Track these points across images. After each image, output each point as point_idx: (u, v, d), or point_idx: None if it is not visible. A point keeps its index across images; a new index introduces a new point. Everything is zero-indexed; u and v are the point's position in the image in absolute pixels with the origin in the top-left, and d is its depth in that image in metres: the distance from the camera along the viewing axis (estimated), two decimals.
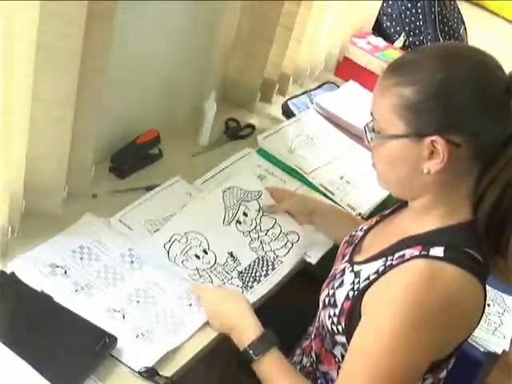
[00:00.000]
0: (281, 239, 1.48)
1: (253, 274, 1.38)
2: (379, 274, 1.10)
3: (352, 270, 1.17)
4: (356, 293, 1.12)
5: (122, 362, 1.14)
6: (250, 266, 1.40)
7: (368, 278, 1.12)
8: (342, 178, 1.79)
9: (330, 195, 1.71)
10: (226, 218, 1.46)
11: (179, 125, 1.76)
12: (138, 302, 1.26)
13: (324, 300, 1.21)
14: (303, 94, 2.13)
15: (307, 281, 1.60)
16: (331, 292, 1.19)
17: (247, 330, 1.20)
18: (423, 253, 1.06)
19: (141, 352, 1.16)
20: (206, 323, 1.27)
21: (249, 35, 1.84)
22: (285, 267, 1.43)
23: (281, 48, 1.90)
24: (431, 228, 1.11)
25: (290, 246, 1.47)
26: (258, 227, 1.47)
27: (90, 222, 1.41)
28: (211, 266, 1.36)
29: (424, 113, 1.07)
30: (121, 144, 1.60)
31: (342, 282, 1.17)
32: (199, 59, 1.76)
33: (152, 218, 1.47)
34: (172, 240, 1.38)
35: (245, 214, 1.47)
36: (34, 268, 1.26)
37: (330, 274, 1.26)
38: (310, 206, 1.53)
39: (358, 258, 1.21)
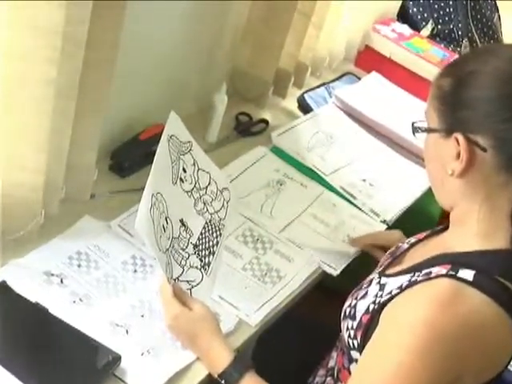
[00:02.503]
0: (218, 198, 1.42)
1: (206, 245, 1.34)
2: (401, 290, 1.10)
3: (378, 282, 1.18)
4: (376, 307, 1.13)
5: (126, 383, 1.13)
6: (201, 234, 1.35)
7: (390, 292, 1.12)
8: (364, 180, 1.78)
9: (351, 199, 1.71)
10: (173, 176, 1.33)
11: (185, 119, 1.75)
12: (143, 315, 1.26)
13: (345, 310, 1.22)
14: (321, 86, 2.13)
15: (324, 293, 1.61)
16: (353, 302, 1.20)
17: (218, 357, 1.17)
18: (451, 273, 1.06)
19: (147, 372, 1.16)
20: None
21: (262, 21, 1.84)
22: (227, 231, 1.40)
23: (298, 36, 1.90)
24: (466, 248, 1.11)
25: (226, 205, 1.43)
26: (198, 185, 1.38)
27: (88, 225, 1.41)
28: (170, 244, 1.27)
29: (451, 106, 1.09)
30: (122, 139, 1.59)
31: (366, 293, 1.18)
32: (208, 48, 1.76)
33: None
34: (152, 203, 1.26)
35: (184, 170, 1.35)
36: (26, 276, 1.25)
37: (361, 283, 1.27)
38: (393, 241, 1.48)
39: (389, 271, 1.21)
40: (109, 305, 1.26)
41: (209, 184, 1.41)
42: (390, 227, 1.67)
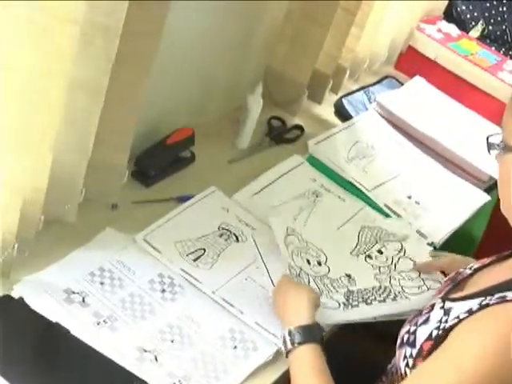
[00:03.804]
0: (416, 281, 1.52)
1: (364, 297, 1.44)
2: (470, 313, 1.12)
3: (442, 307, 1.19)
4: (441, 332, 1.15)
5: None
6: (365, 289, 1.46)
7: (458, 317, 1.14)
8: (409, 197, 1.79)
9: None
10: (355, 251, 1.55)
11: (215, 123, 1.78)
12: (173, 341, 1.27)
13: (403, 337, 1.23)
14: (359, 90, 2.15)
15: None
16: (412, 329, 1.21)
17: (298, 314, 1.28)
18: None
19: None
20: (255, 372, 1.27)
21: (300, 18, 1.85)
22: (408, 304, 1.45)
23: (340, 35, 1.91)
24: None
25: (426, 289, 1.51)
26: (393, 266, 1.53)
27: (111, 238, 1.42)
28: (318, 275, 1.45)
29: None
30: (147, 144, 1.61)
31: (428, 318, 1.20)
32: (241, 45, 1.78)
33: (184, 239, 1.48)
34: (290, 233, 1.49)
35: (379, 252, 1.55)
36: (45, 293, 1.26)
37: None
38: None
39: (453, 295, 1.23)
40: (135, 328, 1.27)
41: (410, 271, 1.55)
42: (436, 250, 1.68)
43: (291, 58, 1.91)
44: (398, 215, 1.72)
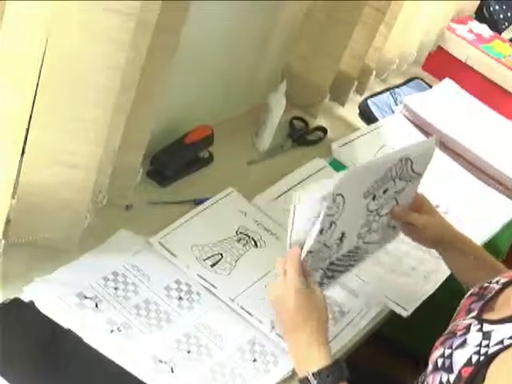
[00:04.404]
0: (380, 231, 1.45)
1: (337, 269, 1.39)
2: None
3: (480, 329, 1.18)
4: (482, 358, 1.13)
5: None
6: (343, 256, 1.39)
7: (502, 342, 1.12)
8: (438, 206, 1.78)
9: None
10: (369, 189, 1.34)
11: (235, 122, 1.78)
12: (189, 351, 1.27)
13: (436, 361, 1.21)
14: (385, 91, 2.15)
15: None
16: (447, 352, 1.20)
17: (315, 353, 1.22)
18: None
19: None
20: None
21: (323, 17, 1.85)
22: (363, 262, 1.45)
23: (367, 34, 1.91)
24: None
25: (382, 242, 1.48)
26: (380, 209, 1.41)
27: (125, 240, 1.42)
28: (318, 248, 1.32)
29: None
30: (164, 142, 1.61)
31: (465, 341, 1.18)
32: (262, 41, 1.77)
33: (200, 243, 1.48)
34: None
35: (384, 191, 1.39)
36: (56, 297, 1.26)
37: (448, 329, 1.27)
38: (447, 236, 1.51)
39: (489, 316, 1.22)
40: (151, 337, 1.27)
41: (386, 214, 1.43)
42: None
43: (312, 59, 1.90)
44: None
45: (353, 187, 1.29)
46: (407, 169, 1.39)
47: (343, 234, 1.34)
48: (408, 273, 1.52)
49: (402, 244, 1.62)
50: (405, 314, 1.49)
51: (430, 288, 1.58)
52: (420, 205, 1.50)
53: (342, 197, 1.26)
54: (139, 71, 1.23)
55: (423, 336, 1.45)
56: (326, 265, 1.35)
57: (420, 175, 1.43)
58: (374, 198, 1.36)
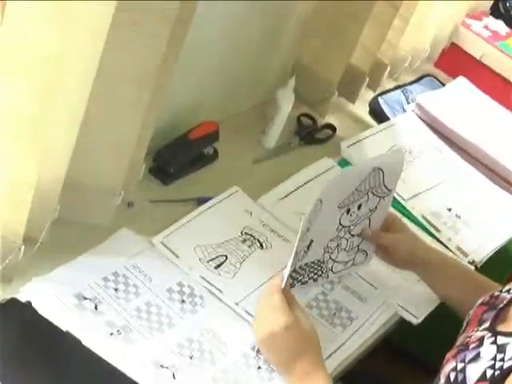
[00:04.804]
0: (350, 252, 1.47)
1: (299, 276, 1.39)
2: None
3: (494, 342, 1.17)
4: (497, 373, 1.12)
5: None
6: (305, 265, 1.39)
7: None
8: (450, 209, 1.79)
9: (434, 232, 1.71)
10: (344, 201, 1.37)
11: (241, 118, 1.77)
12: (192, 357, 1.26)
13: (448, 375, 1.20)
14: (396, 88, 2.14)
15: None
16: (460, 366, 1.19)
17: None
18: None
19: None
20: None
21: (333, 11, 1.84)
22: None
23: (380, 28, 1.90)
24: None
25: (349, 265, 1.49)
26: (353, 227, 1.43)
27: (126, 240, 1.41)
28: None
29: None
30: (167, 138, 1.60)
31: (478, 355, 1.17)
32: (271, 35, 1.77)
33: (204, 243, 1.47)
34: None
35: (359, 208, 1.42)
36: (54, 297, 1.26)
37: (459, 341, 1.27)
38: (421, 251, 1.52)
39: (503, 328, 1.21)
40: (152, 341, 1.26)
41: (358, 235, 1.46)
42: (477, 270, 1.67)
43: (322, 54, 1.90)
44: (436, 228, 1.71)
45: (332, 195, 1.32)
46: (380, 181, 1.41)
47: (311, 243, 1.35)
48: (420, 280, 1.52)
49: None
50: (415, 321, 1.49)
51: None
52: (390, 223, 1.52)
53: (321, 202, 1.28)
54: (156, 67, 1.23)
55: (433, 344, 1.45)
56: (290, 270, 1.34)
57: (391, 191, 1.45)
58: (348, 212, 1.39)
